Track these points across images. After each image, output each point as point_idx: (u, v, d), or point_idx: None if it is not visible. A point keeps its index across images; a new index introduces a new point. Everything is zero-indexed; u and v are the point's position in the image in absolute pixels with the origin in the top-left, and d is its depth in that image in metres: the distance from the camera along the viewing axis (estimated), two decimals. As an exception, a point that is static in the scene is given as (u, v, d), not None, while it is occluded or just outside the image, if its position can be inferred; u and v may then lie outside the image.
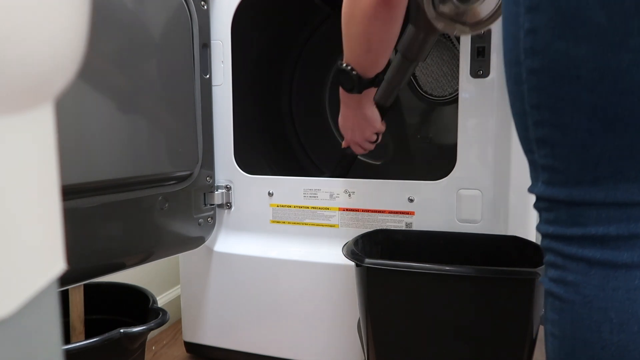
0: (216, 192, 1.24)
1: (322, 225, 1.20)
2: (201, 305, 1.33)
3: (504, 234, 1.04)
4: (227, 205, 1.27)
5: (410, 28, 0.88)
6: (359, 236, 1.05)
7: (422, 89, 1.50)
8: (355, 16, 0.76)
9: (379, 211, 1.15)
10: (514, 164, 1.02)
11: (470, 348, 0.86)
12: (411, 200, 1.11)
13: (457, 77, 1.09)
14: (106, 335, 0.87)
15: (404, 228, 1.13)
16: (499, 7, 0.70)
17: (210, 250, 1.29)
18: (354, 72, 0.85)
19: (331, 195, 1.19)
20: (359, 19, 0.75)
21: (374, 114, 0.99)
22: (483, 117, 1.03)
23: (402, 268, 0.86)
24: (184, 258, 1.36)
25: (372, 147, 1.07)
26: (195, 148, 1.13)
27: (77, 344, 0.84)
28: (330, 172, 1.33)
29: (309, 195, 1.21)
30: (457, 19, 0.73)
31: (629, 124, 0.40)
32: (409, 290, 0.88)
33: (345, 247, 0.98)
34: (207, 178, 1.20)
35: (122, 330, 0.88)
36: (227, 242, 1.29)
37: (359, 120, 0.99)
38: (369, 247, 1.07)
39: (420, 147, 1.57)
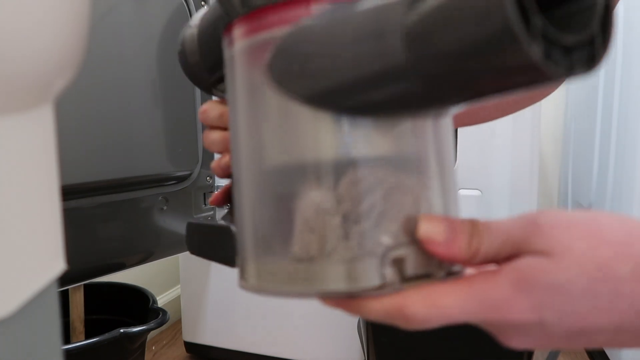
0: (216, 192, 1.24)
1: (322, 225, 1.20)
2: (201, 305, 1.33)
3: (504, 234, 1.04)
4: (227, 205, 1.27)
5: None
6: (359, 236, 1.04)
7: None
8: None
9: (379, 211, 1.15)
10: (514, 163, 1.02)
11: (470, 347, 0.86)
12: (411, 200, 1.11)
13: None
14: (106, 335, 0.86)
15: (404, 228, 1.13)
16: None
17: (210, 250, 1.29)
18: None
19: (331, 195, 1.19)
20: None
21: None
22: (483, 117, 1.03)
23: (402, 268, 0.86)
24: (184, 258, 1.35)
25: None
26: (195, 148, 1.13)
27: (77, 344, 0.84)
28: None
29: (309, 195, 1.21)
30: None
31: None
32: (409, 290, 0.88)
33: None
34: (207, 178, 1.20)
35: (122, 330, 0.88)
36: (227, 242, 1.29)
37: None
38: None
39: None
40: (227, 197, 0.36)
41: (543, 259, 0.22)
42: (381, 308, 0.23)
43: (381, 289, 0.22)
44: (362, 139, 0.22)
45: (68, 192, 0.79)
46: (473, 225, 0.23)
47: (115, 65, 0.87)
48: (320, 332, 1.19)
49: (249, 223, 0.24)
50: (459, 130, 1.05)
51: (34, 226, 0.23)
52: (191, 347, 1.38)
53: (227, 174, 0.36)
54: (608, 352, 1.21)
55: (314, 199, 0.22)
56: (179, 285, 1.61)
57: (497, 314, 0.22)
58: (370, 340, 0.93)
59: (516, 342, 0.24)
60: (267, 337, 1.26)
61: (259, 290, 0.24)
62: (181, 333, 1.41)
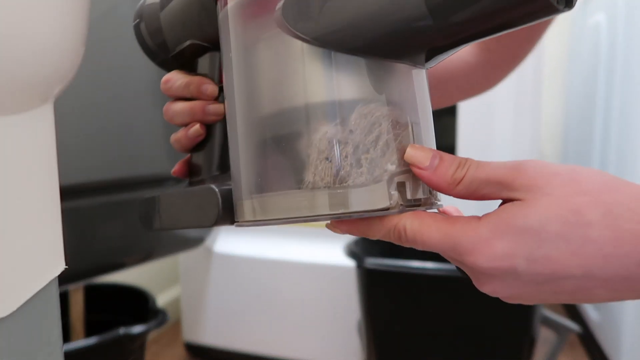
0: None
1: (323, 226, 1.20)
2: (201, 305, 1.33)
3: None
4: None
5: None
6: (359, 236, 1.05)
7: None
8: None
9: (379, 211, 1.15)
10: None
11: (470, 348, 0.86)
12: (411, 200, 1.11)
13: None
14: (106, 335, 0.86)
15: (404, 228, 1.13)
16: None
17: (210, 251, 1.28)
18: None
19: (331, 195, 1.19)
20: None
21: None
22: (482, 117, 1.03)
23: (403, 268, 0.86)
24: (184, 258, 1.35)
25: None
26: (195, 148, 1.13)
27: (77, 344, 0.84)
28: None
29: (309, 195, 1.21)
30: None
31: None
32: (410, 290, 0.88)
33: (346, 247, 0.98)
34: (207, 178, 1.20)
35: (122, 330, 0.88)
36: (227, 242, 1.29)
37: None
38: (370, 247, 1.07)
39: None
40: (189, 169, 0.36)
41: (522, 204, 0.23)
42: (383, 228, 0.26)
43: (388, 210, 0.25)
44: (369, 80, 0.25)
45: (68, 192, 0.79)
46: (462, 159, 0.25)
47: (115, 65, 0.87)
48: (320, 332, 1.19)
49: (254, 165, 0.27)
50: (459, 129, 1.05)
51: (34, 226, 0.23)
52: (191, 347, 1.38)
53: (193, 144, 0.34)
54: (608, 351, 1.21)
55: (329, 131, 0.24)
56: (179, 285, 1.61)
57: (469, 257, 0.24)
58: (370, 341, 0.93)
59: (488, 288, 0.25)
60: (267, 337, 1.26)
61: (267, 221, 0.26)
62: (181, 333, 1.41)
